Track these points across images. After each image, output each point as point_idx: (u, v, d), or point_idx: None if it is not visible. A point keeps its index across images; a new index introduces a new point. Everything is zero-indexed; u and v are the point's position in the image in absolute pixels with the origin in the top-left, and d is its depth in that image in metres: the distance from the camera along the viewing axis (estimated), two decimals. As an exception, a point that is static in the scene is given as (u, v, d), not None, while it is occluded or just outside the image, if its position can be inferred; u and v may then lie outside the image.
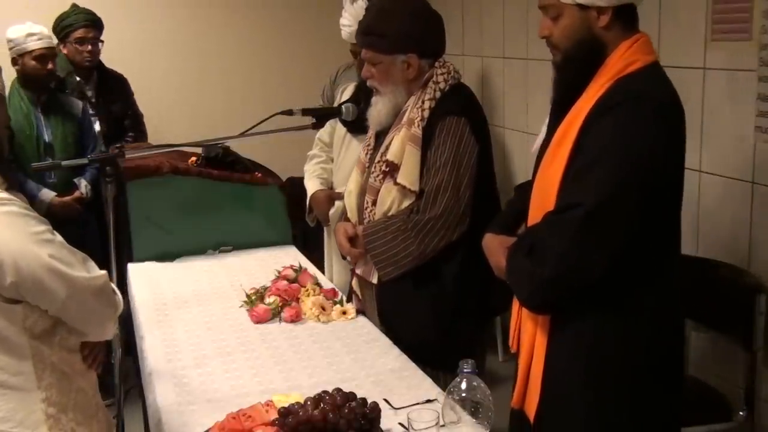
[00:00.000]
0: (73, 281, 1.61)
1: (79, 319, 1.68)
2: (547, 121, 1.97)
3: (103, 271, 1.72)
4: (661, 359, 1.83)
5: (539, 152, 1.94)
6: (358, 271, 2.58)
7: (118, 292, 1.79)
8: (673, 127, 1.75)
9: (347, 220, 2.66)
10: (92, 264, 1.71)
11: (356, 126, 3.11)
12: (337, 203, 3.15)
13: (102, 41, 4.11)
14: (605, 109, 1.72)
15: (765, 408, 2.53)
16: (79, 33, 4.00)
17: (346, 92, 3.37)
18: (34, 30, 3.69)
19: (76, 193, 3.81)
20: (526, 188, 2.03)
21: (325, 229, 3.39)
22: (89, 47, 4.04)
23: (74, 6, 4.12)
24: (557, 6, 1.79)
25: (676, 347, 1.90)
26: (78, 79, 4.06)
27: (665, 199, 1.76)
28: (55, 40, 3.82)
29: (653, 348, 1.81)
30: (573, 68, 1.81)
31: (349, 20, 3.20)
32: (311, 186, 3.31)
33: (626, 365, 1.80)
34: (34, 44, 3.66)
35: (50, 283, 1.58)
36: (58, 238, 1.65)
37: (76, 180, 3.85)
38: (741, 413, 2.47)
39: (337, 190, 3.23)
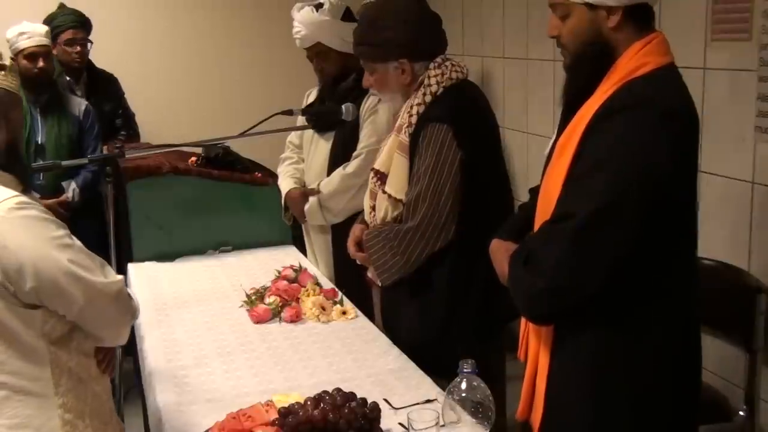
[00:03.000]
0: (92, 286, 1.61)
1: (96, 325, 1.67)
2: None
3: (120, 276, 1.72)
4: (666, 373, 1.74)
5: (547, 156, 1.87)
6: (368, 274, 2.59)
7: (134, 297, 1.78)
8: (679, 135, 1.64)
9: (363, 221, 2.67)
10: (109, 269, 1.70)
11: (322, 125, 3.18)
12: (311, 199, 3.17)
13: (91, 42, 4.08)
14: (608, 114, 1.64)
15: (765, 408, 2.53)
16: (68, 35, 3.98)
17: (311, 96, 3.42)
18: (25, 29, 3.65)
19: (62, 197, 3.71)
20: (536, 192, 1.95)
21: (303, 227, 3.42)
22: (78, 48, 4.01)
23: (62, 6, 4.09)
24: (566, 5, 1.72)
25: (689, 363, 1.79)
26: (68, 79, 4.03)
27: (671, 210, 1.67)
28: (48, 38, 3.74)
29: (662, 363, 1.73)
30: (582, 70, 1.74)
31: (298, 26, 3.23)
32: (285, 185, 3.35)
33: (631, 381, 1.72)
34: (24, 43, 3.63)
35: (69, 288, 1.57)
36: (77, 242, 1.64)
37: (64, 183, 3.76)
38: (741, 413, 2.47)
39: (309, 187, 3.26)
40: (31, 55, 3.65)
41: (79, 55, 4.03)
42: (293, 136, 3.47)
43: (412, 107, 2.40)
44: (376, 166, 2.45)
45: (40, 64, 3.66)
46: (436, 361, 2.19)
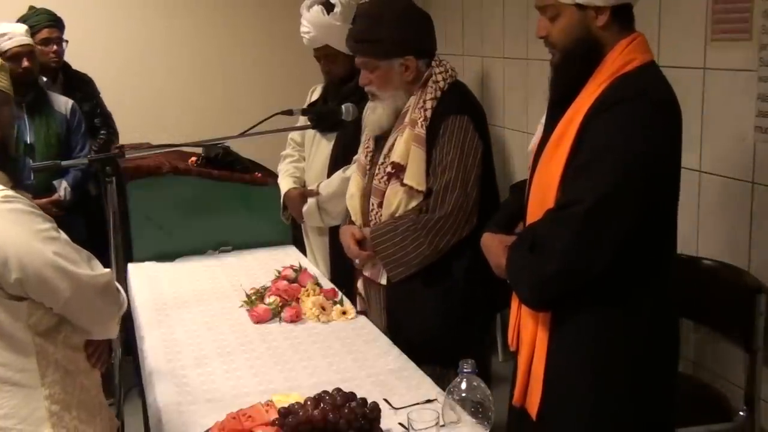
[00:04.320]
0: (78, 279, 1.62)
1: (83, 317, 1.68)
2: (543, 120, 1.98)
3: (108, 269, 1.73)
4: (659, 353, 1.86)
5: (536, 151, 1.95)
6: (366, 273, 2.58)
7: (122, 290, 1.79)
8: (670, 125, 1.77)
9: (351, 223, 2.66)
10: (96, 262, 1.71)
11: (324, 125, 3.17)
12: (310, 200, 3.17)
13: (66, 41, 4.05)
14: (604, 107, 1.73)
15: (765, 408, 2.53)
16: (43, 34, 3.93)
17: (315, 93, 3.42)
18: (5, 30, 3.62)
19: (54, 196, 3.69)
20: (521, 187, 2.04)
21: (302, 226, 3.42)
22: (54, 47, 3.98)
23: (32, 8, 4.06)
24: (555, 6, 1.80)
25: (672, 342, 1.92)
26: (45, 79, 3.97)
27: (663, 197, 1.79)
28: (29, 37, 3.69)
29: (652, 342, 1.83)
30: (572, 67, 1.83)
31: (307, 27, 3.21)
32: (284, 185, 3.35)
33: (627, 360, 1.81)
34: (6, 44, 3.58)
35: (55, 281, 1.58)
36: (63, 235, 1.65)
37: (56, 182, 3.74)
38: (741, 413, 2.47)
39: (309, 188, 3.26)
40: (15, 55, 3.60)
41: (55, 55, 3.99)
42: (295, 134, 3.46)
43: (425, 102, 2.44)
44: (394, 158, 2.44)
45: (25, 63, 3.60)
46: (452, 350, 2.22)
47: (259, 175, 3.35)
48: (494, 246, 2.00)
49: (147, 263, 3.16)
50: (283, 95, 4.47)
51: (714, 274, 2.59)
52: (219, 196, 3.24)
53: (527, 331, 1.91)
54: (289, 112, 2.67)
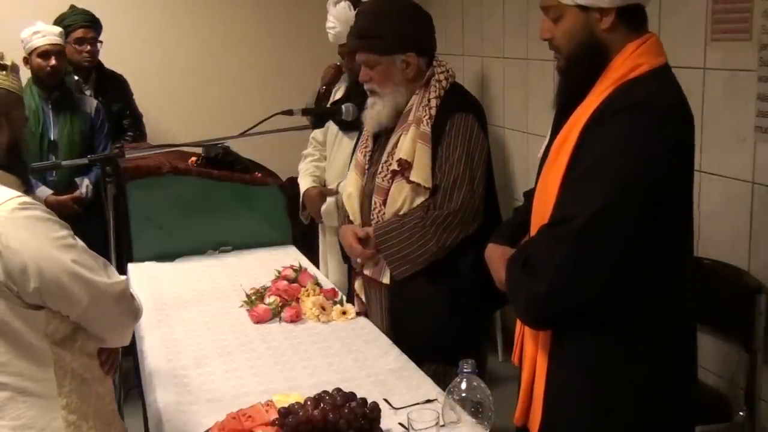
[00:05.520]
0: (95, 286, 1.61)
1: (100, 325, 1.67)
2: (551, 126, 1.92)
3: (123, 277, 1.71)
4: (665, 377, 1.74)
5: (542, 158, 1.86)
6: (366, 272, 2.56)
7: (137, 298, 1.78)
8: (677, 134, 1.65)
9: (349, 222, 2.66)
10: (113, 269, 1.70)
11: (348, 124, 3.16)
12: (329, 199, 3.17)
13: (101, 41, 4.15)
14: (606, 116, 1.64)
15: (765, 408, 2.53)
16: (78, 33, 4.04)
17: (339, 92, 3.41)
18: (39, 28, 3.75)
19: (76, 193, 3.80)
20: (531, 195, 1.95)
21: (319, 226, 3.41)
22: (88, 47, 4.08)
23: (72, 7, 4.16)
24: (558, 7, 1.71)
25: (683, 364, 1.79)
26: (77, 78, 4.09)
27: (669, 211, 1.67)
28: (62, 39, 3.83)
29: (656, 366, 1.73)
30: (576, 71, 1.74)
31: (333, 22, 3.22)
32: (304, 184, 3.35)
33: (627, 383, 1.72)
34: (38, 41, 3.72)
35: (73, 289, 1.57)
36: (80, 242, 1.64)
37: (77, 179, 3.84)
38: (741, 413, 2.47)
39: (329, 187, 3.25)
40: (45, 53, 3.74)
41: (89, 54, 4.09)
42: (317, 133, 3.45)
43: (430, 100, 2.45)
44: (401, 155, 2.44)
45: (53, 62, 3.73)
46: (460, 347, 2.22)
47: (259, 175, 3.35)
48: (495, 259, 1.93)
49: (147, 263, 3.16)
50: (282, 95, 4.47)
51: (714, 274, 2.59)
52: (219, 196, 3.24)
53: (528, 350, 1.84)
54: (289, 112, 2.67)
